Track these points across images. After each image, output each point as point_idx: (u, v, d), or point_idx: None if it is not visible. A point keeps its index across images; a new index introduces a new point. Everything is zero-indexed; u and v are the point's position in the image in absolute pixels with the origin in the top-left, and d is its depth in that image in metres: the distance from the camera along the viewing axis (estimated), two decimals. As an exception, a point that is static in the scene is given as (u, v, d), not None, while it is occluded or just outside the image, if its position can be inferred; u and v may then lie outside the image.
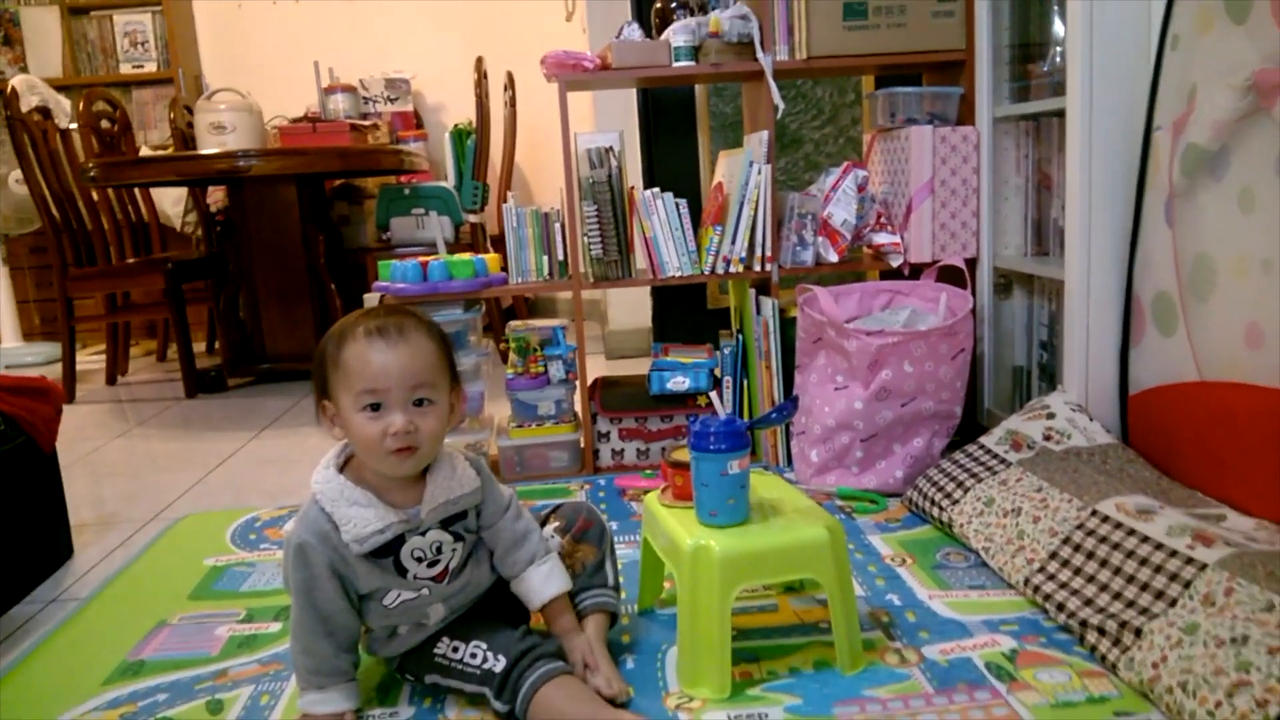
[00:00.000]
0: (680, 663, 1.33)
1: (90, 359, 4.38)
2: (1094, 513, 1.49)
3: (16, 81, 3.56)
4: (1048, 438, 1.76)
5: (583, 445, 2.30)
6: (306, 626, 1.21)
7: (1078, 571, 1.43)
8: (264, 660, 1.45)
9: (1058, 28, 2.01)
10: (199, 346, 4.26)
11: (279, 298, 3.65)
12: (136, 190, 4.03)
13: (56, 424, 1.89)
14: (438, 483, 1.23)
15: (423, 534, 1.23)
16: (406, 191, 3.68)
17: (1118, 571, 1.36)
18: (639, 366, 2.65)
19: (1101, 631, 1.30)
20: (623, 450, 2.31)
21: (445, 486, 1.23)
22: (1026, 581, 1.48)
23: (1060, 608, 1.40)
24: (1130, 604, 1.30)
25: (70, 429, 3.08)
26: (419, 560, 1.23)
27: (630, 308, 3.80)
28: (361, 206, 4.20)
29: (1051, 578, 1.45)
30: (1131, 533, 1.39)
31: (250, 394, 3.51)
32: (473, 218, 3.78)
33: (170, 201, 4.44)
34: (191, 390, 3.47)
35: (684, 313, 3.66)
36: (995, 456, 1.78)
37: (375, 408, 1.14)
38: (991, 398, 2.22)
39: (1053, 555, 1.48)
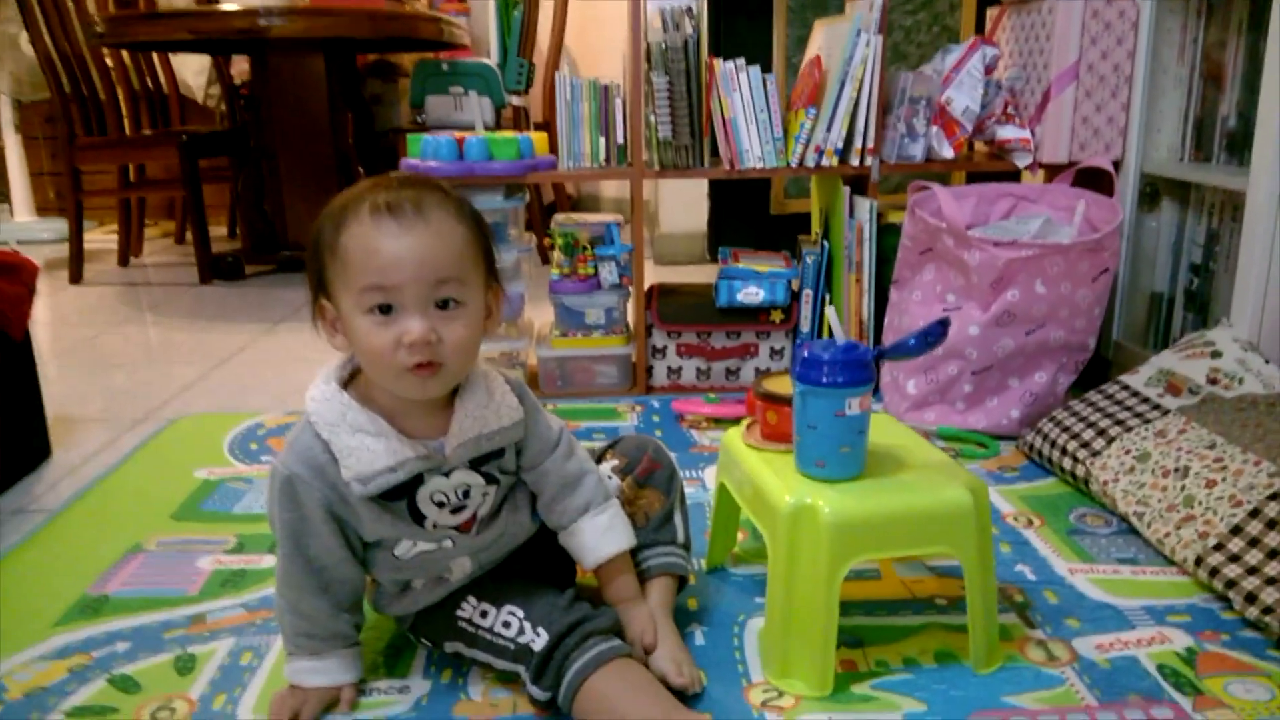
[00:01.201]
0: (767, 646, 1.05)
1: (106, 238, 4.12)
2: (1290, 481, 1.17)
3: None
4: (1213, 381, 1.43)
5: (634, 360, 2.00)
6: (295, 580, 0.94)
7: (1272, 554, 1.12)
8: (250, 605, 1.18)
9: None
10: (218, 230, 3.98)
11: (303, 180, 3.34)
12: (155, 58, 3.69)
13: (29, 305, 1.61)
14: (468, 411, 0.94)
15: (446, 474, 0.94)
16: (445, 68, 3.32)
17: (1340, 563, 1.05)
18: (691, 275, 2.34)
19: (1309, 636, 1.00)
20: (680, 369, 2.01)
21: (478, 417, 0.94)
22: (1199, 561, 1.18)
23: (1250, 598, 1.10)
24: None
25: (71, 313, 2.83)
26: (440, 506, 0.95)
27: (684, 209, 3.46)
28: (395, 85, 3.85)
29: (1235, 559, 1.15)
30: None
31: (268, 283, 3.23)
32: (516, 100, 3.42)
33: (192, 72, 4.10)
34: (206, 276, 3.20)
35: (745, 218, 3.32)
36: (1146, 401, 1.45)
37: (385, 310, 0.85)
38: (1122, 329, 1.88)
39: (1235, 531, 1.17)
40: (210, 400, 2.01)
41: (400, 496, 0.93)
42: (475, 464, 0.96)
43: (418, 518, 0.94)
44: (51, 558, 1.32)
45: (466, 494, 0.96)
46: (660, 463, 1.15)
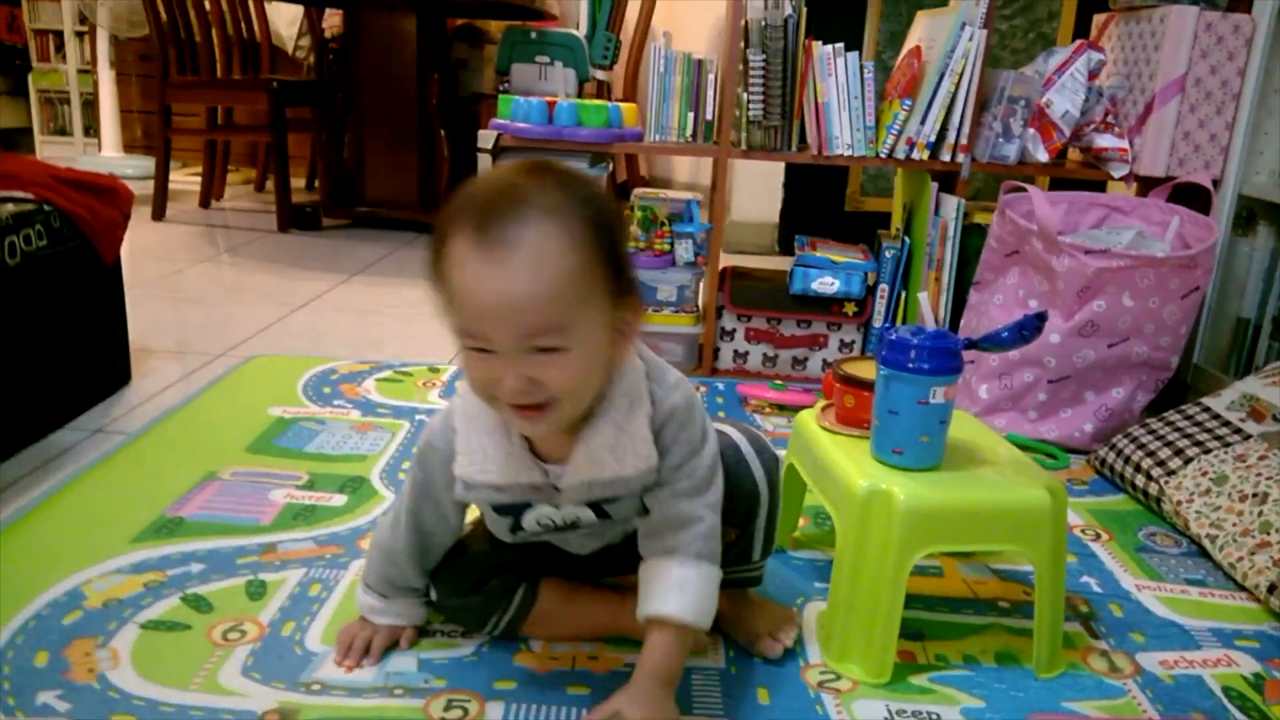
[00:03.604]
0: (827, 629, 1.05)
1: (188, 179, 4.21)
2: (1375, 517, 1.14)
3: None
4: (1299, 411, 1.39)
5: (702, 341, 2.00)
6: (401, 534, 0.95)
7: (1350, 590, 1.09)
8: (320, 540, 1.21)
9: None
10: (298, 181, 4.04)
11: (385, 138, 3.38)
12: (251, 4, 3.76)
13: (122, 230, 1.66)
14: (589, 452, 0.83)
15: (556, 505, 0.89)
16: (533, 36, 3.33)
17: None
18: (759, 265, 2.33)
19: (1383, 675, 0.98)
20: (747, 353, 2.00)
21: (598, 460, 0.83)
22: (1273, 589, 1.15)
23: (1322, 633, 1.07)
24: None
25: (153, 247, 2.90)
26: (544, 527, 0.92)
27: (757, 198, 3.44)
28: (481, 51, 3.88)
29: (1310, 591, 1.12)
30: None
31: (344, 236, 3.28)
32: (600, 74, 3.42)
33: (285, 22, 4.17)
34: (285, 224, 3.26)
35: (819, 213, 3.30)
36: (1227, 424, 1.42)
37: (481, 349, 0.75)
38: (1203, 352, 1.84)
39: (1313, 563, 1.15)
40: (285, 343, 2.05)
41: (506, 512, 0.91)
42: (591, 502, 0.89)
43: (516, 528, 0.92)
44: (129, 478, 1.36)
45: (574, 524, 0.92)
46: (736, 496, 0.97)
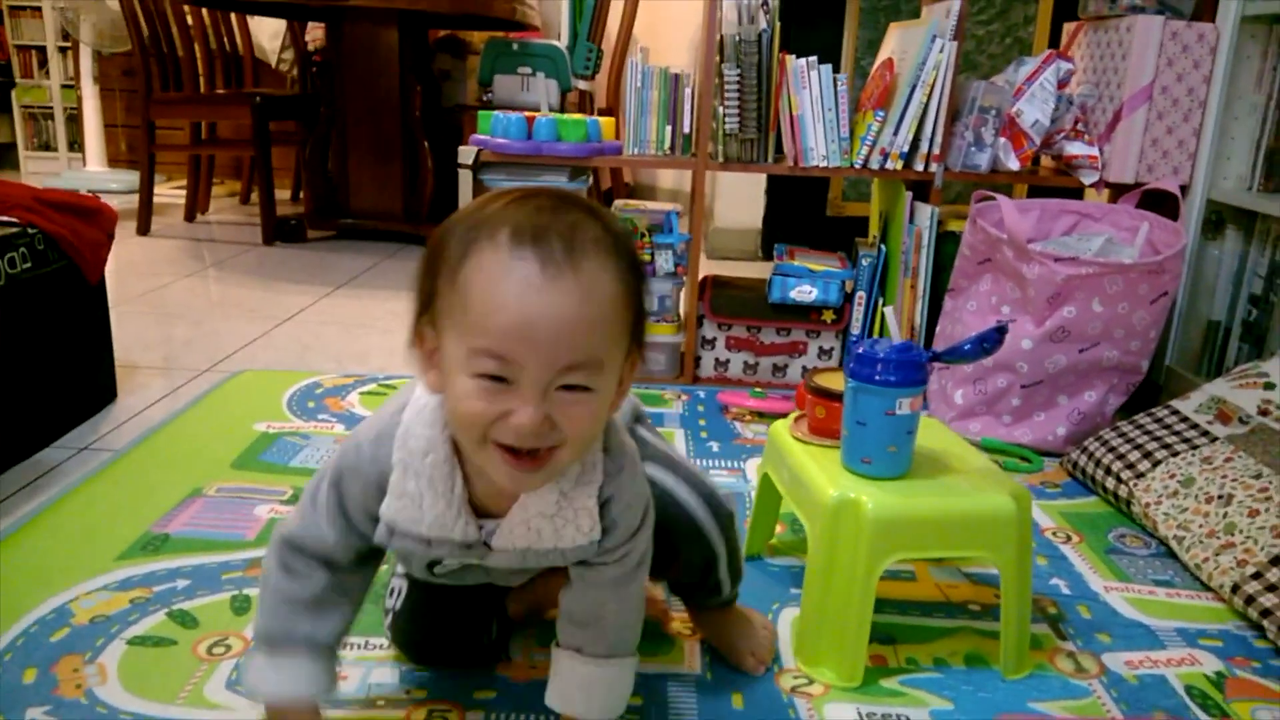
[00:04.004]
0: (800, 634, 1.08)
1: (172, 193, 4.22)
2: (1335, 517, 1.17)
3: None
4: (1264, 413, 1.42)
5: (683, 350, 2.03)
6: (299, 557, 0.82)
7: (1310, 588, 1.12)
8: (304, 554, 1.23)
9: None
10: (283, 193, 4.06)
11: (369, 150, 3.40)
12: (234, 18, 3.78)
13: (106, 250, 1.68)
14: (528, 518, 0.76)
15: (483, 560, 0.81)
16: (515, 47, 3.35)
17: (1381, 602, 1.05)
18: (743, 271, 2.36)
19: (1341, 671, 1.01)
20: (728, 361, 2.03)
21: (535, 529, 0.76)
22: (1236, 588, 1.18)
23: (1284, 630, 1.10)
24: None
25: (139, 262, 2.91)
26: (460, 569, 0.86)
27: (741, 205, 3.47)
28: (464, 62, 3.90)
29: (1273, 588, 1.15)
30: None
31: (329, 248, 3.30)
32: (582, 84, 3.45)
33: (268, 35, 4.19)
34: (270, 237, 3.28)
35: (801, 218, 3.34)
36: (1195, 427, 1.45)
37: (497, 379, 0.66)
38: (1175, 355, 1.87)
39: (1276, 561, 1.18)
40: (270, 357, 2.07)
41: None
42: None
43: (431, 566, 0.86)
44: (116, 495, 1.38)
45: (488, 572, 0.86)
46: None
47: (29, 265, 1.48)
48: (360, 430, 0.80)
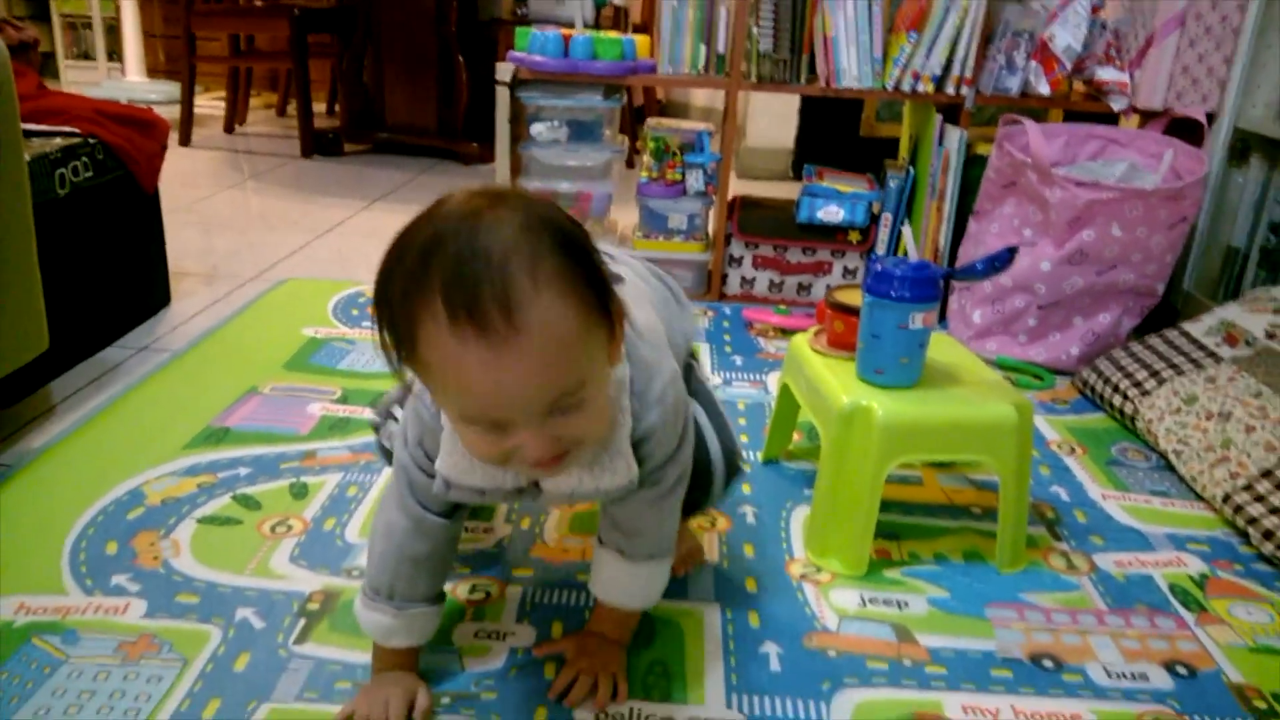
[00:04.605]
0: (811, 529, 1.16)
1: (210, 104, 4.28)
2: (1328, 435, 1.23)
3: None
4: (1271, 335, 1.47)
5: (711, 267, 2.09)
6: (401, 525, 0.86)
7: (1297, 500, 1.19)
8: (355, 448, 1.33)
9: None
10: (319, 107, 4.10)
11: (404, 64, 3.43)
12: (269, -72, 3.78)
13: (160, 160, 1.75)
14: (572, 471, 0.79)
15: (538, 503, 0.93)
16: (550, -39, 3.35)
17: (1360, 512, 1.12)
18: (774, 190, 2.39)
19: (1318, 575, 1.08)
20: (754, 279, 2.09)
21: (577, 478, 0.79)
22: (1226, 498, 1.25)
23: (1268, 535, 1.17)
24: (1374, 555, 1.07)
25: (182, 174, 2.99)
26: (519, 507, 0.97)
27: (773, 123, 3.47)
28: (499, -25, 3.88)
29: (1260, 499, 1.22)
30: (1385, 469, 1.14)
31: (365, 161, 3.35)
32: None
33: (302, -54, 4.17)
34: (308, 150, 3.34)
35: (833, 138, 3.34)
36: (1202, 348, 1.51)
37: (493, 426, 0.68)
38: (1193, 279, 1.91)
39: (1266, 474, 1.24)
40: (313, 267, 2.15)
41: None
42: None
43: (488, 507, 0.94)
44: (178, 391, 1.48)
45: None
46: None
47: (90, 174, 1.56)
48: (417, 391, 0.81)
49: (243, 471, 1.25)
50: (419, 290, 0.64)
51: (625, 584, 0.91)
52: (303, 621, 0.97)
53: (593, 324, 0.68)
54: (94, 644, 0.93)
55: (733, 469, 0.98)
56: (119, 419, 1.38)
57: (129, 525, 1.13)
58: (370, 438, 1.34)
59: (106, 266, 1.64)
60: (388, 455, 0.95)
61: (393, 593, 0.86)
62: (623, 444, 0.78)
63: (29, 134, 1.46)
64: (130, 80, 4.31)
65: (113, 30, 4.57)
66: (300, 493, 1.21)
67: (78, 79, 4.89)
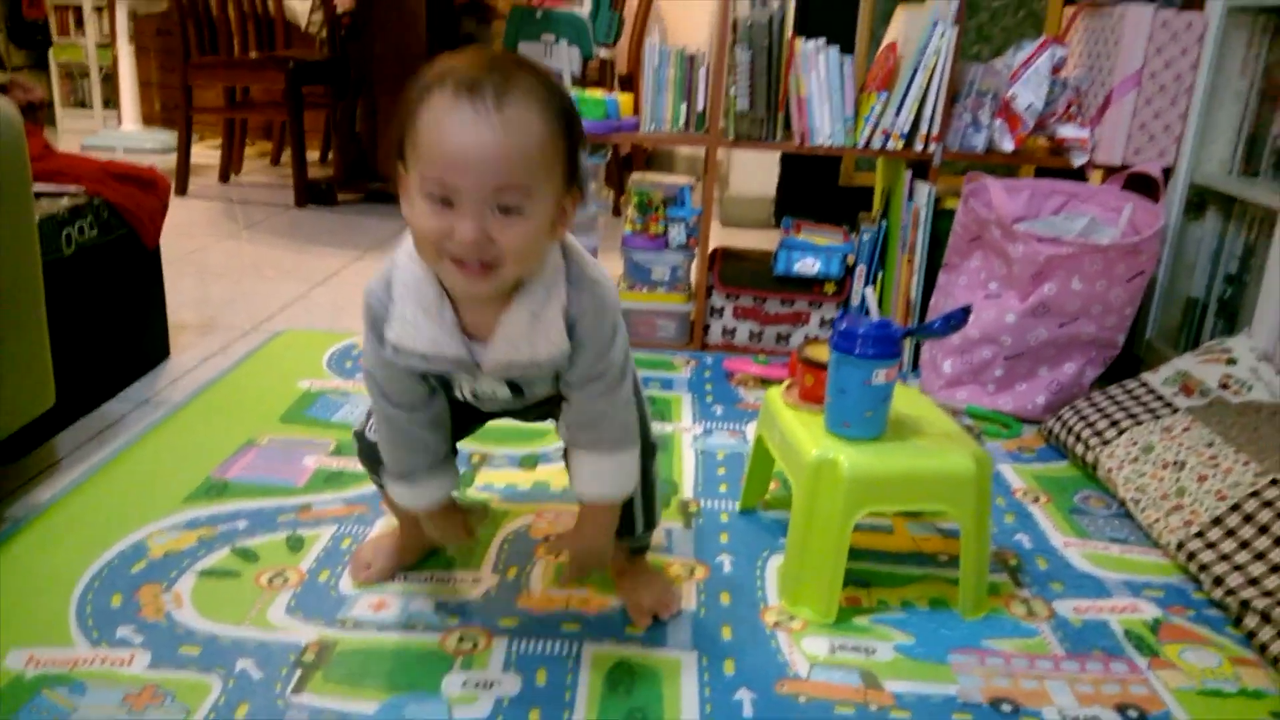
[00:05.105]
0: (784, 577, 1.22)
1: (205, 153, 4.36)
2: (1274, 481, 1.30)
3: None
4: (1224, 386, 1.55)
5: (693, 318, 2.16)
6: (390, 413, 1.00)
7: (1244, 545, 1.25)
8: (350, 500, 1.39)
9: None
10: (311, 155, 4.19)
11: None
12: (265, -18, 3.88)
13: (162, 218, 1.82)
14: (508, 334, 0.90)
15: (475, 378, 0.98)
16: (538, 15, 3.44)
17: (1301, 558, 1.18)
18: (756, 238, 2.47)
19: (1265, 618, 1.14)
20: (735, 329, 2.16)
21: (514, 343, 0.91)
22: (1180, 546, 1.32)
23: (1217, 581, 1.23)
24: (1313, 599, 1.13)
25: (179, 224, 3.05)
26: (472, 395, 1.03)
27: (755, 173, 3.56)
28: (489, 27, 3.99)
29: (1211, 546, 1.28)
30: (1325, 516, 1.21)
31: (358, 211, 3.43)
32: (603, 52, 3.54)
33: (298, -2, 4.29)
34: (301, 199, 3.42)
35: (813, 187, 3.43)
36: (1160, 399, 1.58)
37: (444, 201, 0.81)
38: (1155, 329, 1.99)
39: (1216, 521, 1.31)
40: (309, 318, 2.22)
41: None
42: (509, 380, 0.99)
43: (448, 389, 1.02)
44: (178, 444, 1.53)
45: (495, 394, 1.02)
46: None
47: (95, 233, 1.63)
48: (373, 277, 0.96)
49: (241, 525, 1.31)
50: (443, 76, 0.80)
51: (604, 474, 1.01)
52: (299, 672, 1.02)
53: (558, 159, 0.83)
54: (101, 695, 0.98)
55: (647, 441, 1.08)
56: (122, 472, 1.43)
57: (133, 578, 1.18)
58: (366, 489, 1.40)
59: (109, 322, 1.70)
60: (370, 464, 1.12)
61: (402, 472, 1.03)
62: (556, 318, 0.91)
63: (37, 194, 1.52)
64: (126, 129, 4.39)
65: (109, 79, 4.67)
66: (296, 545, 1.26)
67: (74, 127, 4.98)
